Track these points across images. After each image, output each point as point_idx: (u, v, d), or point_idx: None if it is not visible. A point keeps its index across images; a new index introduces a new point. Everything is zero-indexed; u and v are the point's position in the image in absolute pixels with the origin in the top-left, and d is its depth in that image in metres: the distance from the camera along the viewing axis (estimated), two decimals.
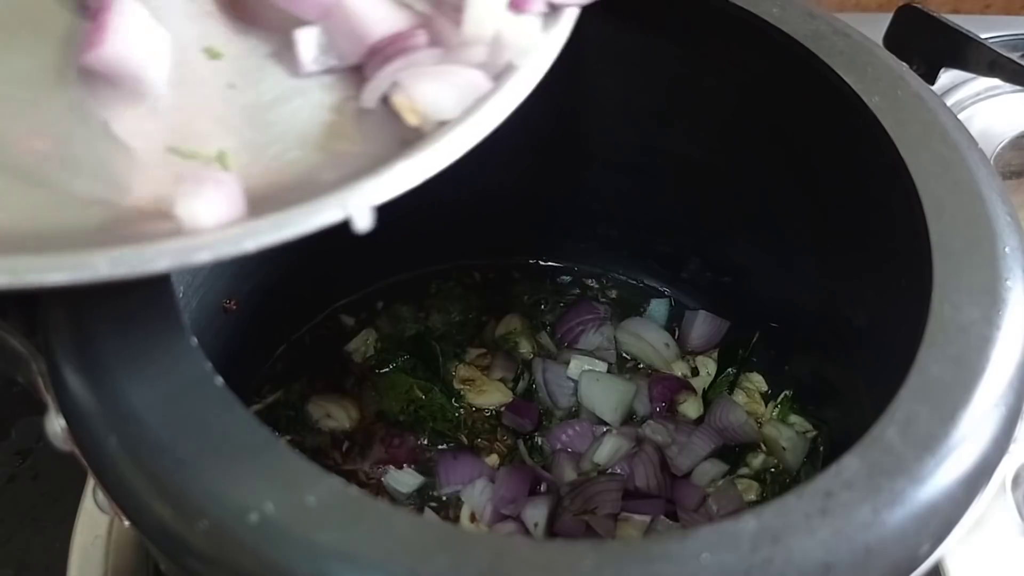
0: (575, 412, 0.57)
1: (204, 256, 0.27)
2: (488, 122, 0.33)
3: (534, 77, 0.35)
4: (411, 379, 0.57)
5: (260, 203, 0.29)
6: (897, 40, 0.68)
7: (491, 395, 0.57)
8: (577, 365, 0.58)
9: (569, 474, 0.53)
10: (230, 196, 0.29)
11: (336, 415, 0.55)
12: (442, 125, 0.33)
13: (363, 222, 0.29)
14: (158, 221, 0.28)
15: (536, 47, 0.36)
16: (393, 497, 0.53)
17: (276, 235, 0.28)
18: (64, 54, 0.33)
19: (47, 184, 0.30)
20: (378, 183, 0.30)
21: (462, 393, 0.57)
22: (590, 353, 0.59)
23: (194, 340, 0.31)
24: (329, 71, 0.36)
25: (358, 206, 0.29)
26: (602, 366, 0.58)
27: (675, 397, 0.57)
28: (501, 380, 0.58)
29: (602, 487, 0.52)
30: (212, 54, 0.35)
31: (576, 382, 0.58)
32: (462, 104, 0.33)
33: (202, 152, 0.32)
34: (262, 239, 0.28)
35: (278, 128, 0.33)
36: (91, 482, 0.31)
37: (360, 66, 0.35)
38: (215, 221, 0.28)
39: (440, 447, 0.55)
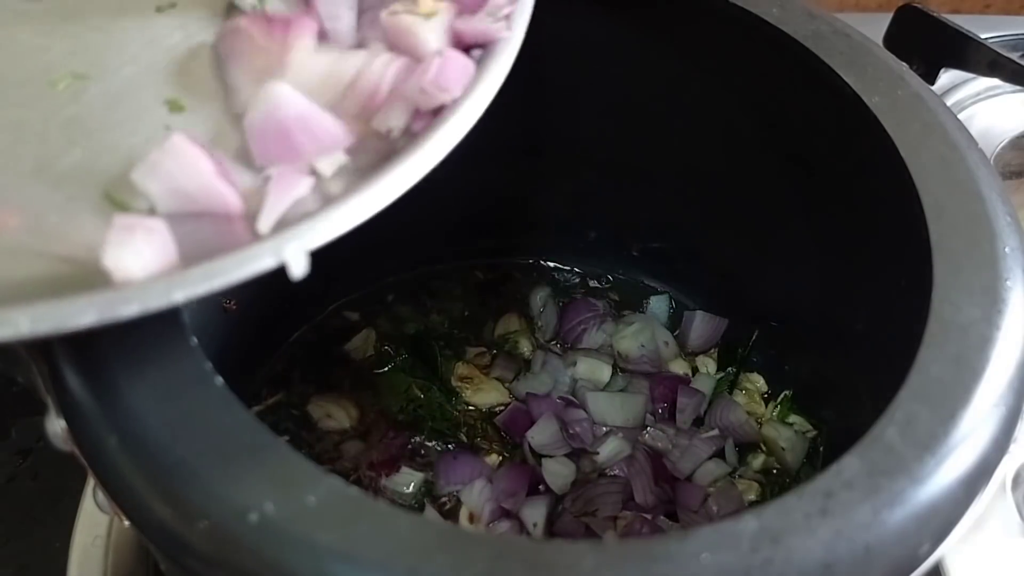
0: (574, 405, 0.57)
1: (132, 309, 0.26)
2: (424, 163, 0.31)
3: (469, 120, 0.33)
4: (409, 378, 0.57)
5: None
6: (897, 40, 0.68)
7: (488, 394, 0.57)
8: (585, 366, 0.58)
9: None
10: (161, 244, 0.28)
11: (336, 415, 0.55)
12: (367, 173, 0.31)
13: (298, 268, 0.28)
14: (91, 272, 0.27)
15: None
16: (393, 497, 0.53)
17: (207, 285, 0.27)
18: None
19: None
20: (313, 228, 0.28)
21: (460, 391, 0.57)
22: (595, 351, 0.59)
23: (194, 340, 0.31)
24: None
25: (293, 252, 0.28)
26: (607, 371, 0.58)
27: (677, 397, 0.57)
28: (499, 379, 0.58)
29: (603, 489, 0.52)
30: (175, 107, 0.34)
31: (579, 383, 0.58)
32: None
33: (134, 203, 0.30)
34: (192, 290, 0.27)
35: None
36: (91, 482, 0.31)
37: None
38: (144, 272, 0.27)
39: (440, 447, 0.55)
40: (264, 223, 0.29)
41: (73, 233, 0.29)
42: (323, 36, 0.35)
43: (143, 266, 0.27)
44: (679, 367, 0.59)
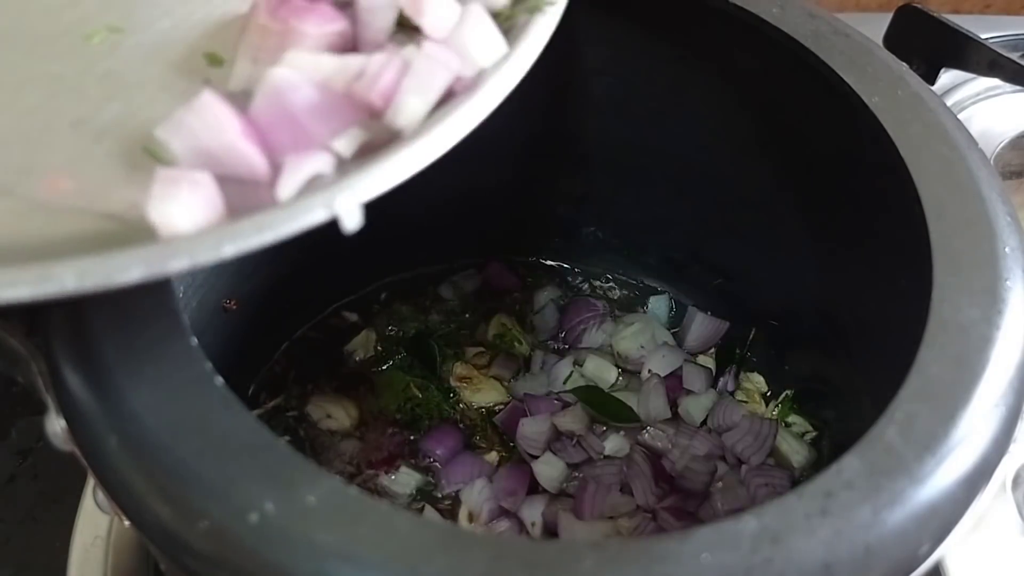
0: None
1: (181, 263, 0.25)
2: (470, 119, 0.31)
3: (515, 73, 0.33)
4: (408, 377, 0.57)
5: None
6: (897, 40, 0.67)
7: (487, 393, 0.57)
8: (592, 364, 0.58)
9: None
10: (207, 197, 0.27)
11: (336, 415, 0.55)
12: (425, 121, 0.30)
13: (352, 221, 0.27)
14: (135, 228, 0.26)
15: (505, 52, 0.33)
16: (393, 497, 0.53)
17: (258, 238, 0.26)
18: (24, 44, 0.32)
19: (8, 191, 0.28)
20: (365, 180, 0.27)
21: (458, 391, 0.57)
22: (596, 351, 0.59)
23: (194, 340, 0.31)
24: None
25: (345, 204, 0.27)
26: (613, 371, 0.58)
27: (677, 397, 0.57)
28: (497, 378, 0.58)
29: (601, 470, 0.53)
30: (213, 60, 0.33)
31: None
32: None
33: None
34: (243, 243, 0.26)
35: None
36: (91, 482, 0.31)
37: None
38: (192, 225, 0.26)
39: (439, 450, 0.55)
40: (284, 190, 0.28)
41: (115, 189, 0.29)
42: (353, 41, 0.33)
43: (191, 220, 0.26)
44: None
